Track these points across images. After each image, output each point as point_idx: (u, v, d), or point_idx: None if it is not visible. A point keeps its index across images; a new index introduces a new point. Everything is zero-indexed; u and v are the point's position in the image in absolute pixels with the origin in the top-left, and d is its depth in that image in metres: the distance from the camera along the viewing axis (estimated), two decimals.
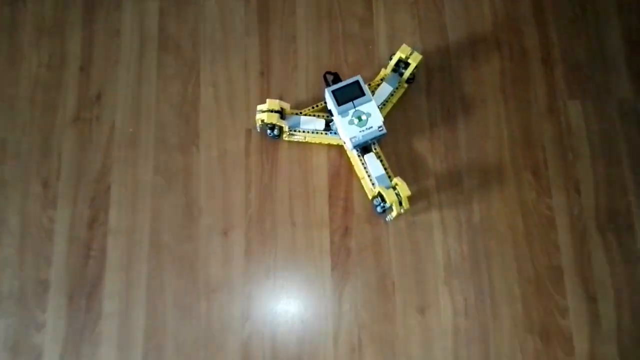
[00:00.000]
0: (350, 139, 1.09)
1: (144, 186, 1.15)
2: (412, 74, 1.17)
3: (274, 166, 1.17)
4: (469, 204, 1.15)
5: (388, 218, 1.10)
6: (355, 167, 1.15)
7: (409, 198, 1.06)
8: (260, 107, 1.13)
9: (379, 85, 1.18)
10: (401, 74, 1.17)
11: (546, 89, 1.22)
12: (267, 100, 1.12)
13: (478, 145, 1.19)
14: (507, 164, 1.18)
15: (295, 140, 1.16)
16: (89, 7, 1.25)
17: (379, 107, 1.11)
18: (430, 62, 1.22)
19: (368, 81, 1.19)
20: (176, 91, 1.21)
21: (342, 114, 1.09)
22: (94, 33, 1.23)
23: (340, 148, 1.17)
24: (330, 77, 1.16)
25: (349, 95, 1.10)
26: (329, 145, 1.17)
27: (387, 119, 1.12)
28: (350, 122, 1.09)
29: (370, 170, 1.11)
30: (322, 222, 1.14)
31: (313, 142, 1.16)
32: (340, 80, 1.14)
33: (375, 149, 1.13)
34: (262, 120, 1.12)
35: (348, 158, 1.17)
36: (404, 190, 1.06)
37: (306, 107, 1.18)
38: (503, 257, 1.13)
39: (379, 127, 1.09)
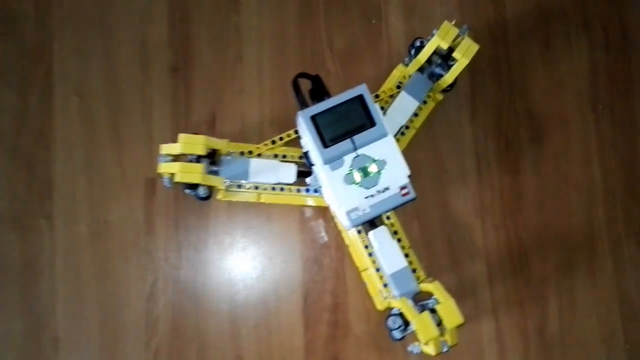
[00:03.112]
0: (348, 213, 0.55)
1: None
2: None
3: (201, 249, 0.64)
4: (541, 303, 0.68)
5: (412, 348, 0.60)
6: (352, 251, 0.63)
7: (459, 327, 0.56)
8: (165, 148, 0.57)
9: (392, 96, 0.64)
10: (434, 76, 0.64)
11: None
12: (180, 136, 0.56)
13: (556, 200, 0.69)
14: (600, 230, 0.70)
15: (241, 199, 0.62)
16: None
17: (395, 138, 0.57)
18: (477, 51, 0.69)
19: (373, 89, 0.63)
20: (6, 111, 0.63)
21: (332, 162, 0.55)
22: None
23: (322, 210, 0.65)
24: (304, 84, 0.60)
25: (344, 124, 0.55)
26: (302, 207, 0.65)
27: (405, 155, 0.58)
28: (348, 180, 0.55)
29: (380, 261, 0.59)
30: (291, 355, 0.63)
31: (273, 203, 0.63)
32: (325, 92, 0.59)
33: (387, 217, 0.62)
34: (171, 177, 0.57)
35: (337, 231, 0.64)
36: (452, 315, 0.55)
37: (261, 139, 0.63)
38: None
39: (403, 189, 0.56)
